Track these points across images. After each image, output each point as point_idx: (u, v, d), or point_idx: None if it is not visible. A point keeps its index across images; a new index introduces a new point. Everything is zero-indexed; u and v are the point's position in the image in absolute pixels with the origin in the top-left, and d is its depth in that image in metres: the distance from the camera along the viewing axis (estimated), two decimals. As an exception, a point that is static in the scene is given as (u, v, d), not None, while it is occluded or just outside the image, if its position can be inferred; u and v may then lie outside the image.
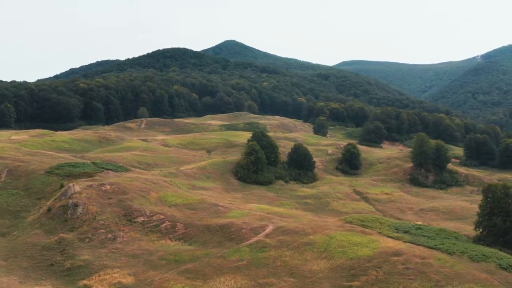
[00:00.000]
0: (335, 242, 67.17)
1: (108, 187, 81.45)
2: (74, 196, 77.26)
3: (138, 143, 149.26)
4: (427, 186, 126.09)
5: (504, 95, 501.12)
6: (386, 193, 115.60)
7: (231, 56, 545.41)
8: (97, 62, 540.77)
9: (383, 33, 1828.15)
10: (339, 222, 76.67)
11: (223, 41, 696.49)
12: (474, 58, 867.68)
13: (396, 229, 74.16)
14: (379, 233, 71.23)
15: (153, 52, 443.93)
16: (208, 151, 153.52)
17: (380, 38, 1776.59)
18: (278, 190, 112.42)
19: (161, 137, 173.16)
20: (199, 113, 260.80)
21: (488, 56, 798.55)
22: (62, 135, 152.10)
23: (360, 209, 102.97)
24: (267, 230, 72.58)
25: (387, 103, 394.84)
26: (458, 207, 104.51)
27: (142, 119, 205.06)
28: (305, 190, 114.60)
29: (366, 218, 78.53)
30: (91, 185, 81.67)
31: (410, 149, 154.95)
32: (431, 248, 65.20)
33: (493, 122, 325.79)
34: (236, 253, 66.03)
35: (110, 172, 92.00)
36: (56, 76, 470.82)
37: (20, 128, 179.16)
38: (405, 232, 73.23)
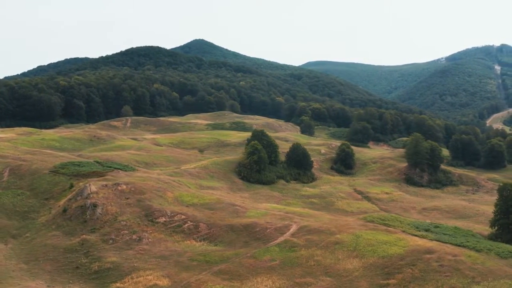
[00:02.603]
0: (363, 241, 67.57)
1: (124, 186, 79.47)
2: (91, 196, 75.01)
3: (130, 142, 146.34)
4: (422, 186, 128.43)
5: (472, 97, 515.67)
6: (387, 193, 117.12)
7: (201, 55, 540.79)
8: (66, 59, 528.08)
9: (347, 34, 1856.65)
10: (360, 221, 77.19)
11: (192, 40, 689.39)
12: (438, 60, 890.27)
13: (417, 228, 75.28)
14: (403, 231, 72.14)
15: (127, 50, 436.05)
16: (201, 151, 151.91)
17: (344, 39, 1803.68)
18: (282, 190, 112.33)
19: (149, 136, 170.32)
20: (180, 112, 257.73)
21: (452, 58, 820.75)
22: (50, 134, 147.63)
23: (365, 209, 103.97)
24: (292, 230, 72.41)
25: (360, 103, 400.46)
26: (459, 206, 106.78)
27: (127, 117, 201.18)
28: (308, 189, 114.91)
29: (385, 217, 79.48)
30: (106, 185, 79.46)
31: (401, 149, 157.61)
32: (458, 245, 66.43)
33: (464, 123, 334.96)
34: (266, 253, 65.57)
35: (120, 171, 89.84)
36: (24, 74, 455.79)
37: (1, 126, 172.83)
38: (426, 230, 74.41)
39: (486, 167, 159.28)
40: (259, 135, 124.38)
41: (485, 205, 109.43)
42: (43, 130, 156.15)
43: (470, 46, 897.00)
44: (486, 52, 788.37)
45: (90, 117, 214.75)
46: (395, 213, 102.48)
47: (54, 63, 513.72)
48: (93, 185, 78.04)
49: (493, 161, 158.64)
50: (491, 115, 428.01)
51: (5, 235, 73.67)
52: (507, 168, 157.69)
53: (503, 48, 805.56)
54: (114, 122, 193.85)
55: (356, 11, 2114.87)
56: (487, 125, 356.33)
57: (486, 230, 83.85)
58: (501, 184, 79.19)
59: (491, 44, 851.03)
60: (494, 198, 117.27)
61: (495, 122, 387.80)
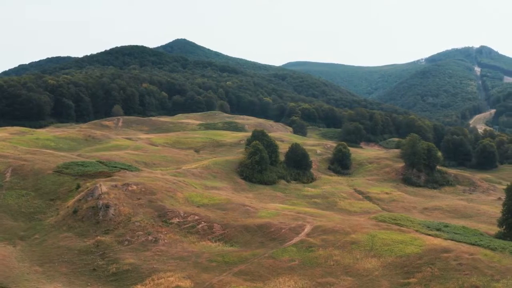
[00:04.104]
0: (378, 240, 67.92)
1: (135, 187, 78.51)
2: (102, 196, 73.90)
3: (125, 142, 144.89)
4: (420, 186, 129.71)
5: (453, 98, 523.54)
6: (387, 193, 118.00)
7: (184, 55, 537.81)
8: (48, 58, 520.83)
9: (327, 35, 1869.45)
10: (372, 221, 77.61)
11: (174, 39, 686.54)
12: (418, 61, 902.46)
13: (428, 227, 75.94)
14: (416, 231, 72.70)
15: (112, 49, 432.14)
16: (196, 151, 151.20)
17: (324, 40, 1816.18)
18: (284, 190, 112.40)
19: (143, 135, 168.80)
20: (169, 111, 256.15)
21: (432, 60, 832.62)
22: (44, 133, 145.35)
23: (367, 208, 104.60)
24: (306, 230, 72.43)
25: (345, 104, 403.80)
26: (460, 206, 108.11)
27: (119, 117, 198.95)
28: (309, 189, 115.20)
29: (396, 217, 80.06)
30: (115, 185, 78.40)
31: (396, 150, 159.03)
32: (473, 244, 67.19)
33: (447, 123, 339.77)
34: (284, 253, 65.47)
35: (127, 171, 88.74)
36: (5, 73, 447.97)
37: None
38: (438, 229, 75.09)
39: (478, 167, 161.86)
40: (259, 135, 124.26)
41: (484, 204, 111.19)
42: (36, 130, 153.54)
43: (449, 48, 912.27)
44: (466, 54, 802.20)
45: (80, 117, 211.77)
46: (397, 213, 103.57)
47: (36, 61, 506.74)
48: (103, 186, 76.90)
49: (485, 162, 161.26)
50: (473, 115, 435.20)
51: (12, 237, 72.14)
52: (498, 168, 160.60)
53: (482, 49, 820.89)
54: (106, 122, 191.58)
55: (335, 12, 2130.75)
56: (470, 126, 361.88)
57: (491, 229, 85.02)
58: (509, 184, 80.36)
59: (470, 45, 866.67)
60: (492, 198, 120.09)
61: (477, 123, 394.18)
